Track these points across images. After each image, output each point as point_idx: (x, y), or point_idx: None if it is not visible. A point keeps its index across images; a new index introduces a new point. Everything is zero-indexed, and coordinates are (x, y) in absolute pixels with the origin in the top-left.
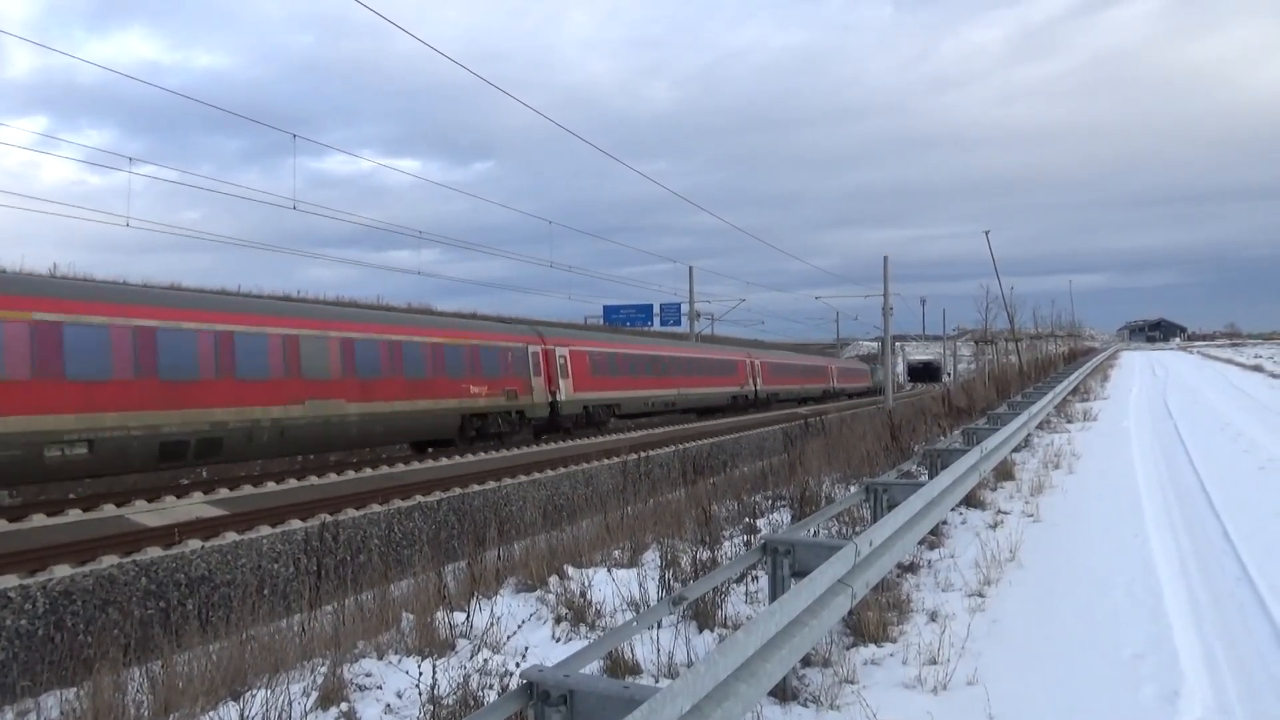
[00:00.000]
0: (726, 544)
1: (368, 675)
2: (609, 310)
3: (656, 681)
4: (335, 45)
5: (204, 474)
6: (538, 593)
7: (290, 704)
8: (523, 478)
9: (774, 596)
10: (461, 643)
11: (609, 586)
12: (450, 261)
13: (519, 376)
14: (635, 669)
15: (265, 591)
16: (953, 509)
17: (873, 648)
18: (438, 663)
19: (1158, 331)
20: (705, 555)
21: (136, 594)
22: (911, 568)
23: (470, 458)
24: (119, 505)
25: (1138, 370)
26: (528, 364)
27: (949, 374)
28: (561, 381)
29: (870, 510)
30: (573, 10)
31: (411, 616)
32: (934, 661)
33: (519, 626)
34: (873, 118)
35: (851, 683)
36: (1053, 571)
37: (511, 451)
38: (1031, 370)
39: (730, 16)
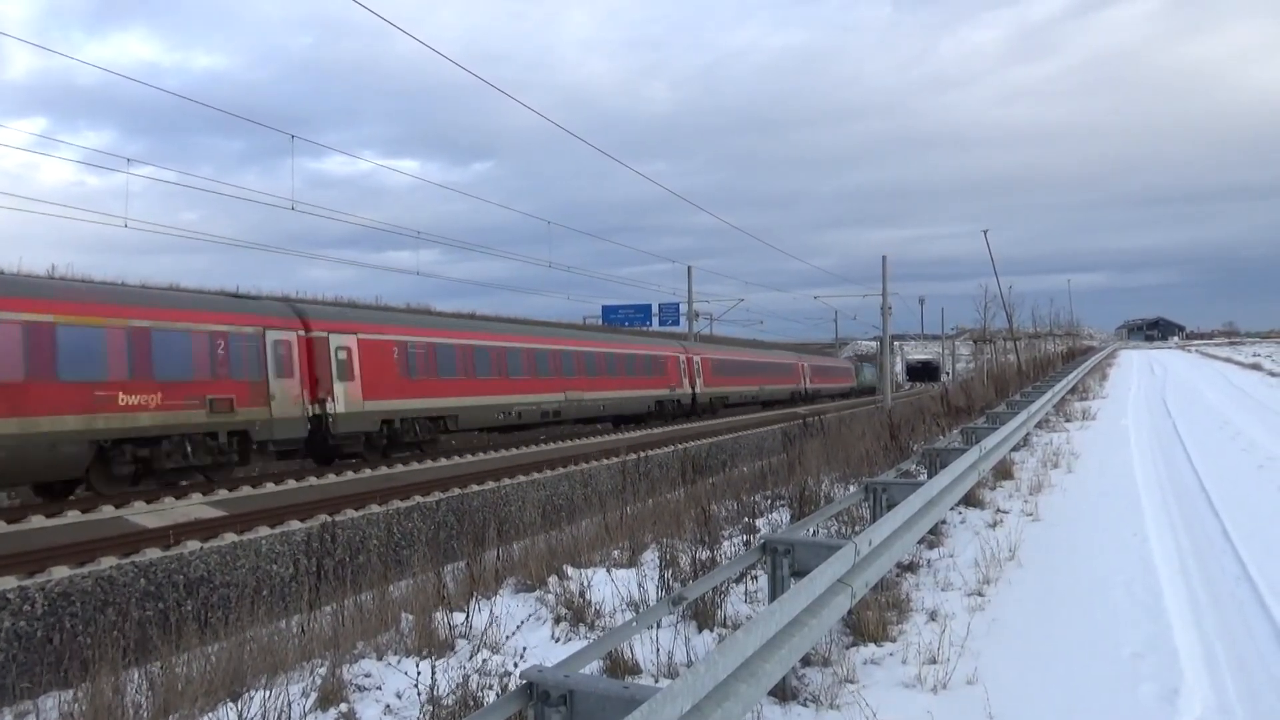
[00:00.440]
0: (726, 544)
1: (367, 676)
2: (607, 310)
3: (656, 681)
4: (334, 46)
5: (200, 476)
6: (537, 593)
7: (289, 705)
8: (521, 478)
9: (773, 596)
10: (461, 643)
11: (608, 586)
12: (449, 262)
13: (240, 378)
14: (635, 669)
15: (264, 592)
16: (952, 508)
17: (872, 647)
18: (437, 663)
19: (1156, 330)
20: (704, 555)
21: (135, 595)
22: (911, 567)
23: (469, 458)
24: (118, 506)
25: (1136, 369)
26: (262, 359)
27: (948, 373)
28: (338, 385)
29: (869, 510)
30: (572, 11)
31: (411, 617)
32: (934, 661)
33: (518, 627)
34: (872, 118)
35: (851, 682)
36: (1052, 571)
37: (510, 452)
38: (1030, 369)
39: (729, 17)
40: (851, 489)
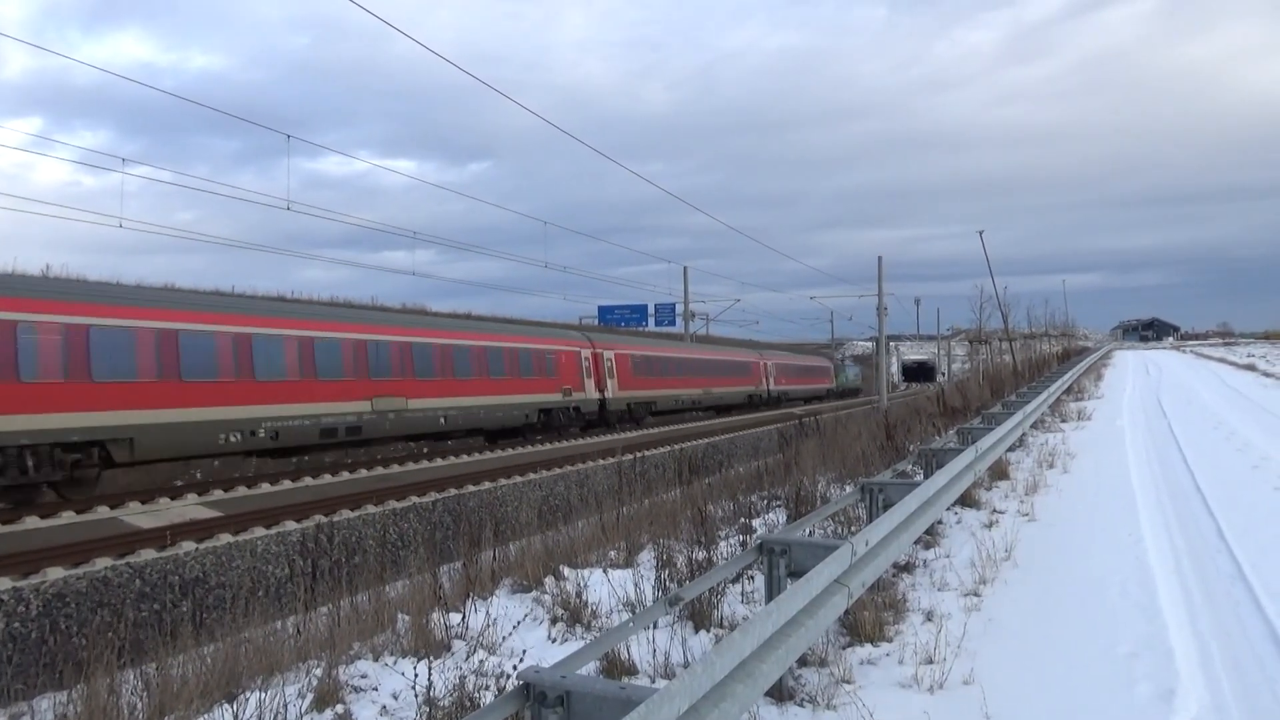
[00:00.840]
0: (722, 544)
1: (363, 677)
2: (604, 310)
3: (653, 682)
4: (332, 46)
5: (198, 475)
6: (533, 593)
7: (285, 706)
8: (518, 478)
9: (770, 597)
10: (457, 644)
11: (605, 587)
12: (446, 262)
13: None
14: (631, 670)
15: (260, 593)
16: (948, 508)
17: (869, 647)
18: (433, 664)
19: (1151, 331)
20: (701, 555)
21: (130, 596)
22: (907, 567)
23: (465, 458)
24: (113, 507)
25: (1131, 369)
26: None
27: (944, 374)
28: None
29: (866, 510)
30: (569, 12)
31: (407, 618)
32: (930, 661)
33: (515, 627)
34: (868, 119)
35: (848, 682)
36: (1048, 571)
37: (507, 452)
38: (1026, 370)
39: (726, 18)
40: (848, 489)
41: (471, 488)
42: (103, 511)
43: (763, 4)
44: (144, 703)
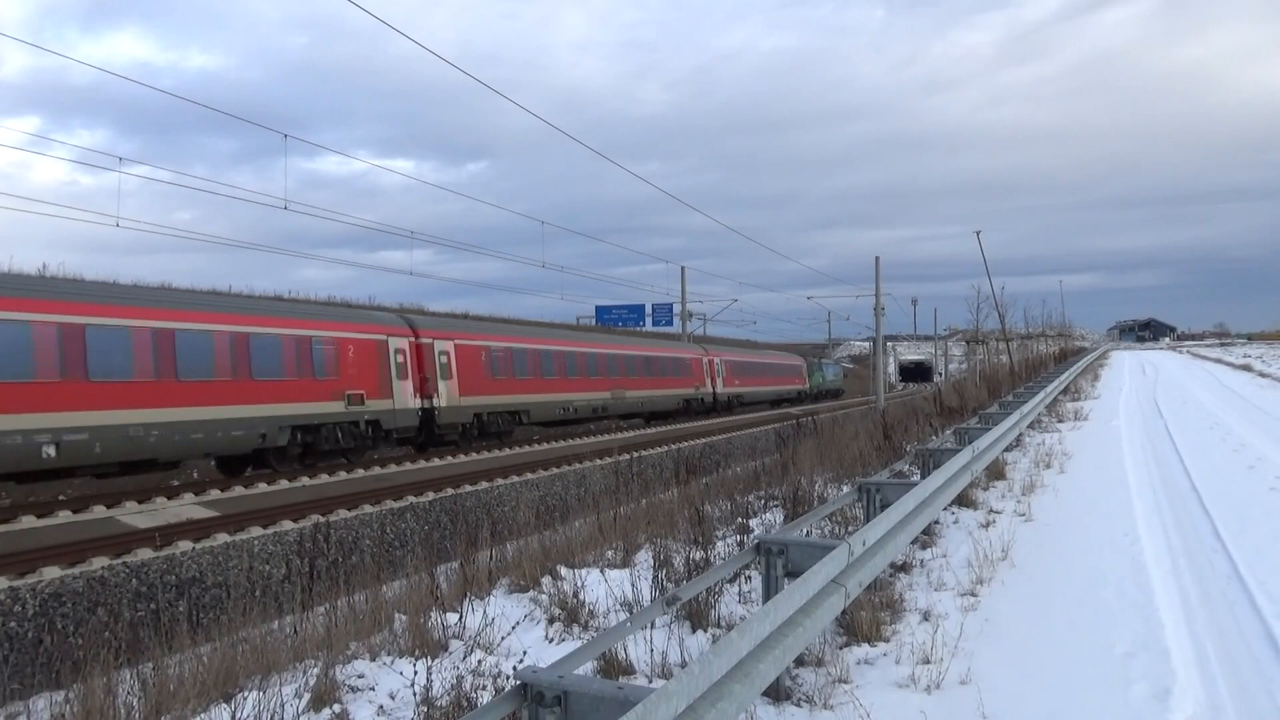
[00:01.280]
0: (720, 544)
1: (360, 677)
2: (601, 310)
3: (650, 682)
4: (330, 46)
5: (194, 475)
6: (531, 593)
7: (282, 706)
8: (515, 478)
9: (767, 597)
10: (455, 644)
11: (602, 587)
12: (443, 262)
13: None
14: (629, 670)
15: (257, 593)
16: (945, 508)
17: (866, 647)
18: (431, 664)
19: (1147, 331)
20: (698, 555)
21: (127, 596)
22: (904, 567)
23: (463, 458)
24: (109, 506)
25: (1128, 370)
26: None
27: (940, 374)
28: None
29: (863, 510)
30: (566, 12)
31: (404, 617)
32: (927, 661)
33: (512, 628)
34: (864, 119)
35: (845, 682)
36: (1045, 571)
37: (504, 452)
38: (1022, 370)
39: (723, 19)
40: (845, 489)
41: (469, 488)
42: (99, 511)
43: (760, 5)
44: (141, 703)
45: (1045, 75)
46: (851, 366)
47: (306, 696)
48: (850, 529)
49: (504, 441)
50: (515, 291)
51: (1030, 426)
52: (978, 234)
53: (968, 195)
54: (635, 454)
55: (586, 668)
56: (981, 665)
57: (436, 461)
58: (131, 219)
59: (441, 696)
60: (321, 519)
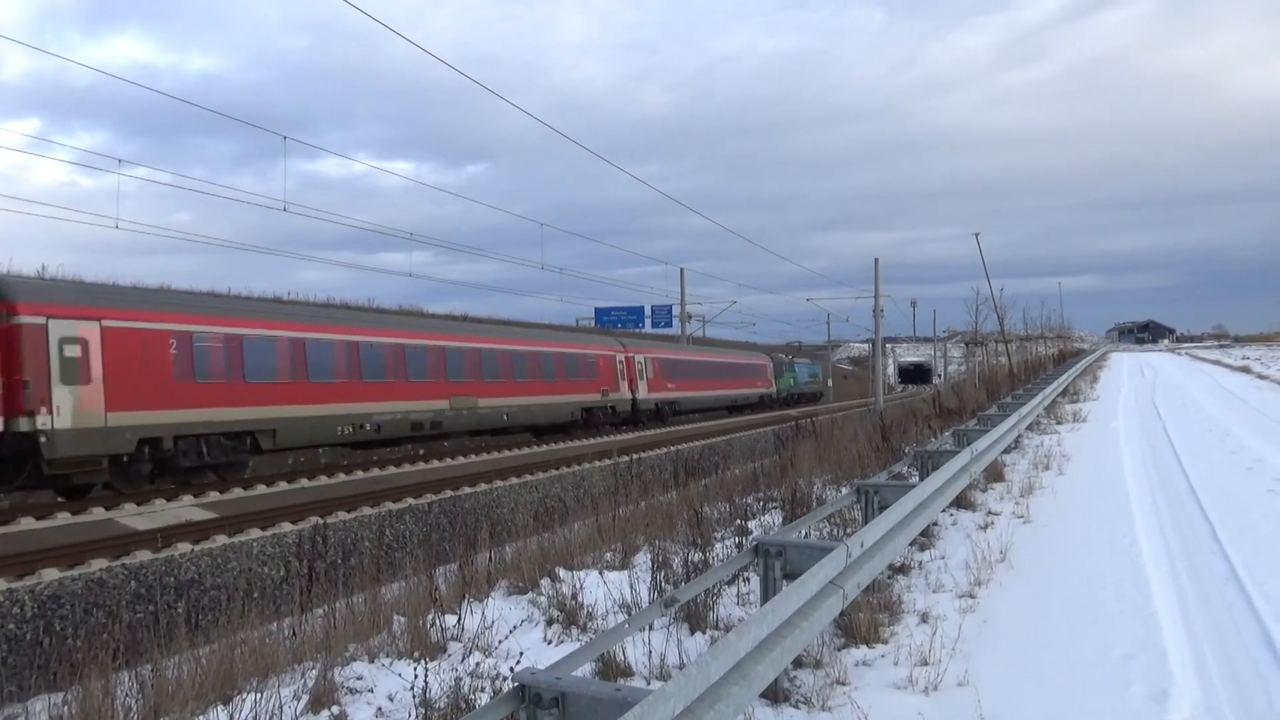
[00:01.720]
0: (718, 546)
1: (359, 678)
2: (600, 312)
3: (648, 684)
4: (330, 48)
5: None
6: (529, 595)
7: (280, 707)
8: (514, 480)
9: (765, 598)
10: (453, 645)
11: (600, 589)
12: (442, 264)
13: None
14: (627, 671)
15: (255, 595)
16: (943, 510)
17: (864, 649)
18: (429, 666)
19: (1146, 333)
20: (697, 557)
21: (126, 598)
22: (902, 569)
23: (461, 460)
24: (108, 508)
25: (1126, 371)
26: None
27: (939, 375)
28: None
29: (861, 512)
30: (566, 14)
31: (403, 619)
32: (925, 662)
33: (511, 630)
34: (864, 121)
35: (843, 684)
36: (1043, 572)
37: (503, 454)
38: (1021, 372)
39: (722, 21)
40: (843, 491)
41: (468, 489)
42: (98, 513)
43: (759, 7)
44: (139, 704)
45: (1045, 77)
46: (851, 368)
47: (305, 698)
48: (849, 531)
49: (502, 443)
50: (514, 293)
51: (1029, 428)
52: (976, 236)
53: (967, 197)
54: (634, 456)
55: (585, 669)
56: (980, 667)
57: (435, 463)
58: (130, 220)
59: (440, 698)
60: (321, 521)
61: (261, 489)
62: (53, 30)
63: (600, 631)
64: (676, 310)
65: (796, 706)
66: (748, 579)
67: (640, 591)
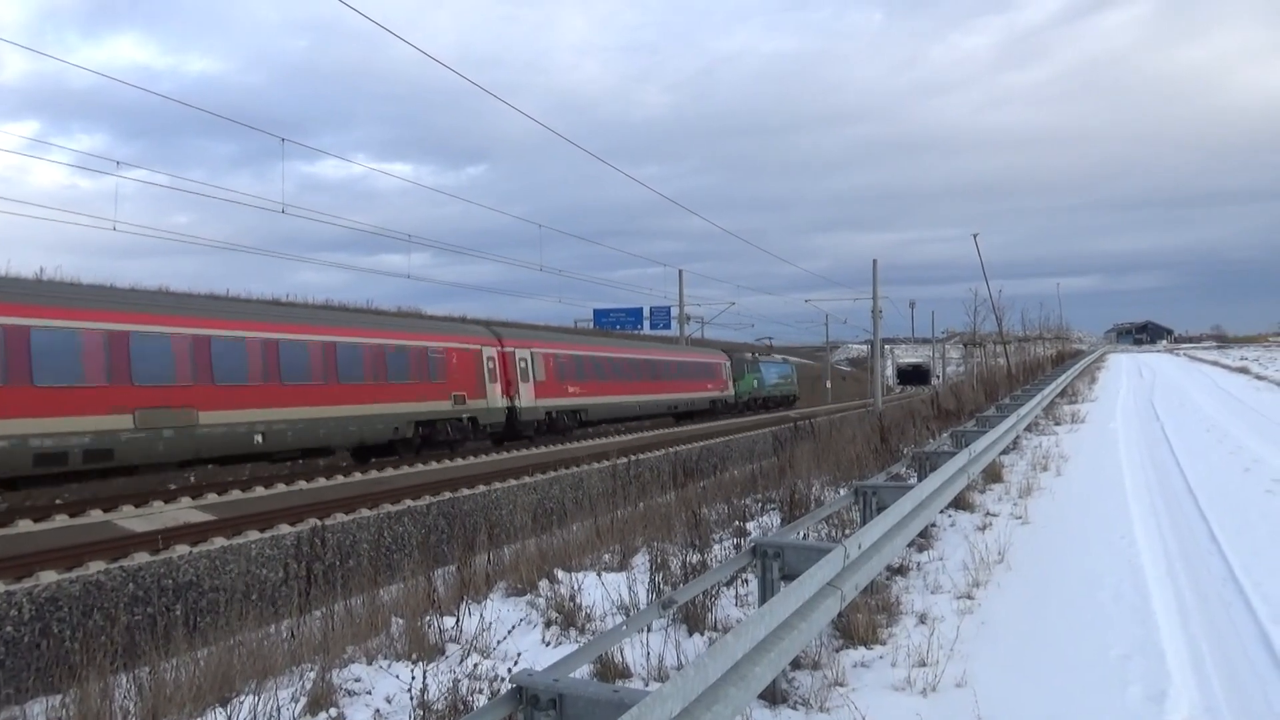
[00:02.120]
0: (716, 547)
1: (357, 680)
2: (599, 313)
3: (646, 685)
4: (329, 50)
5: (191, 479)
6: (527, 597)
7: (279, 710)
8: (512, 481)
9: (763, 599)
10: (451, 647)
11: (599, 590)
12: (441, 265)
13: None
14: (625, 673)
15: (253, 597)
16: (941, 511)
17: (862, 650)
18: (427, 668)
19: (1145, 334)
20: (695, 558)
21: (124, 600)
22: (901, 570)
23: (460, 461)
24: (106, 510)
25: (1125, 372)
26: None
27: (938, 376)
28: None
29: (859, 513)
30: (567, 15)
31: (401, 621)
32: (923, 663)
33: (509, 631)
34: (863, 122)
35: (841, 685)
36: (1041, 573)
37: (501, 455)
38: (1020, 373)
39: (723, 22)
40: (842, 492)
41: (466, 491)
42: (96, 515)
43: (760, 8)
44: (137, 706)
45: (1044, 78)
46: (849, 370)
47: (303, 700)
48: (847, 532)
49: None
50: (512, 294)
51: (1027, 429)
52: (975, 237)
53: (967, 197)
54: (633, 457)
55: (583, 671)
56: (978, 667)
57: (434, 465)
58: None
59: (438, 700)
60: (319, 522)
61: (260, 491)
62: (52, 32)
63: (598, 633)
64: (675, 312)
65: (794, 708)
66: (746, 580)
67: (638, 593)
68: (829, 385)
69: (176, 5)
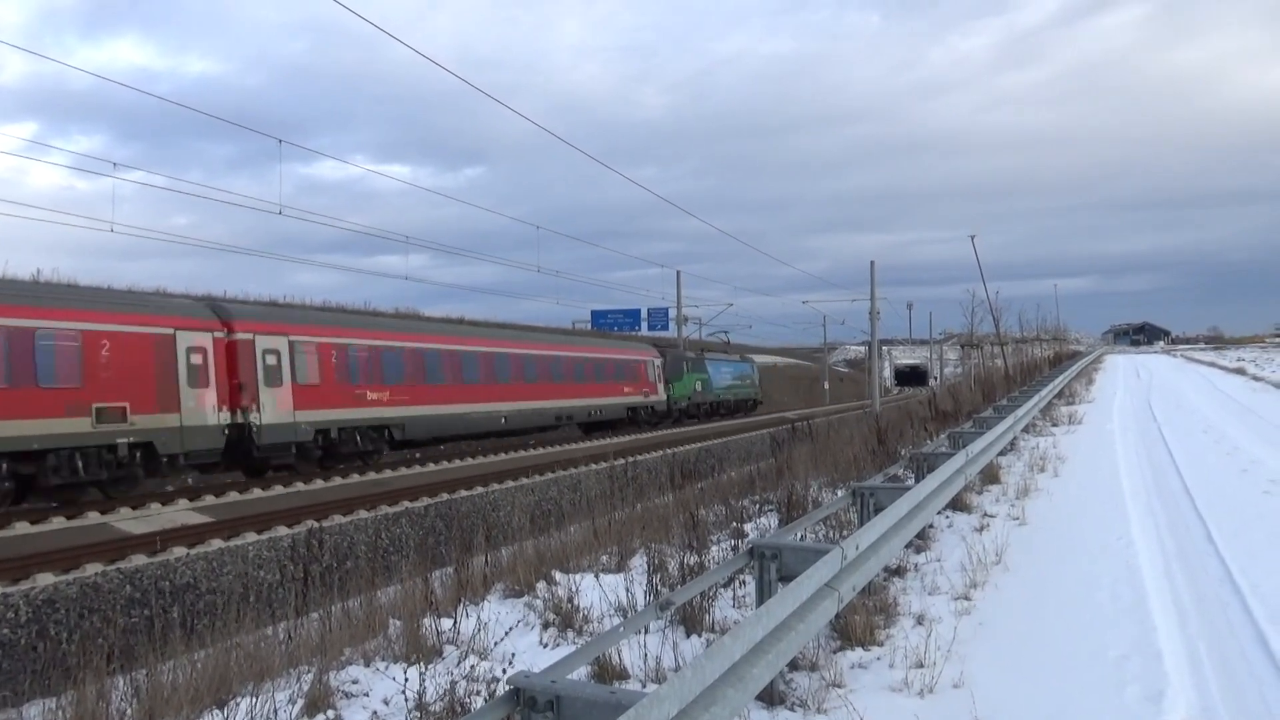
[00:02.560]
0: (714, 548)
1: (354, 682)
2: (597, 315)
3: (644, 687)
4: (328, 52)
5: (189, 480)
6: (525, 598)
7: (276, 712)
8: (510, 483)
9: (761, 601)
10: (449, 649)
11: (596, 592)
12: (439, 267)
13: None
14: (623, 674)
15: (251, 599)
16: (939, 512)
17: (860, 651)
18: (425, 669)
19: (1142, 335)
20: (693, 560)
21: (121, 602)
22: (898, 571)
23: (458, 463)
24: (103, 513)
25: (1122, 373)
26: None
27: (935, 378)
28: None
29: (857, 514)
30: (565, 17)
31: (398, 623)
32: (920, 665)
33: (506, 633)
34: (861, 123)
35: (838, 686)
36: (1038, 574)
37: (499, 457)
38: (1017, 374)
39: (721, 23)
40: (839, 493)
41: (464, 492)
42: (93, 517)
43: (758, 9)
44: (134, 709)
45: (1042, 79)
46: (847, 371)
47: (300, 702)
48: (844, 533)
49: (500, 445)
50: (511, 296)
51: (1025, 430)
52: (973, 238)
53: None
54: (630, 459)
55: (580, 672)
56: (975, 668)
57: (432, 466)
58: (126, 224)
59: (435, 702)
60: (316, 524)
61: (257, 493)
62: (51, 33)
63: (596, 635)
64: (673, 313)
65: (792, 709)
66: (744, 582)
67: (636, 594)
68: (827, 386)
69: (176, 6)
